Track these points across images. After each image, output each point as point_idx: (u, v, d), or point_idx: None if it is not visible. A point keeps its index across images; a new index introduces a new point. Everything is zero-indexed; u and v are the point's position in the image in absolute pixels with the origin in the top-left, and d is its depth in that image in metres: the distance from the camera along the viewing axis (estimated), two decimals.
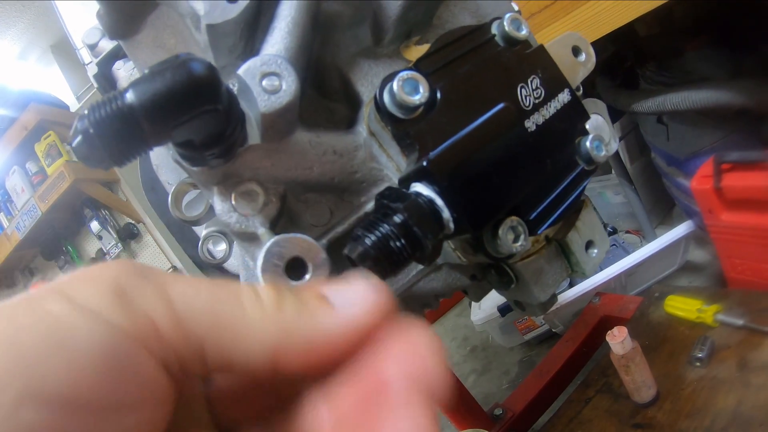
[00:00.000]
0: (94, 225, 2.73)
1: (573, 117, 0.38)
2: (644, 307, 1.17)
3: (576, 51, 0.45)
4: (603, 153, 0.39)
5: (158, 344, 0.17)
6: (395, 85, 0.29)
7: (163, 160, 0.87)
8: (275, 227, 0.33)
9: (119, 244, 2.75)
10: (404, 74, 0.29)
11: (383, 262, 0.25)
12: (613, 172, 1.47)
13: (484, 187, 0.30)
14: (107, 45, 0.77)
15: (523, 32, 0.36)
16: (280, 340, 0.18)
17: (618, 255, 1.50)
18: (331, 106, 0.37)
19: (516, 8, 0.46)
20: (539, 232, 0.34)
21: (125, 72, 0.69)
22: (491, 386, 1.52)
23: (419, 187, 0.28)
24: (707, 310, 1.04)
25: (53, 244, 2.92)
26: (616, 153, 1.44)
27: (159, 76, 0.22)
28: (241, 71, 0.28)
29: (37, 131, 2.52)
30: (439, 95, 0.30)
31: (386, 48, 0.36)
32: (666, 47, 1.29)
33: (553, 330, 1.45)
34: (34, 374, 0.14)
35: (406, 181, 0.29)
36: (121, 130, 0.22)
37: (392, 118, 0.30)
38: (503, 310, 1.41)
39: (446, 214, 0.27)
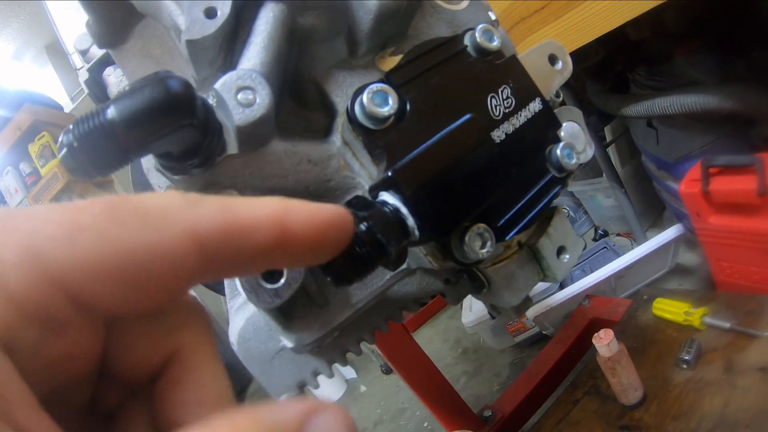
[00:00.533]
0: None
1: (544, 125, 0.40)
2: (632, 310, 1.18)
3: (552, 59, 0.46)
4: (574, 161, 0.41)
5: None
6: (365, 97, 0.30)
7: (154, 164, 0.88)
8: None
9: None
10: (374, 86, 0.30)
11: (348, 268, 0.26)
12: (604, 175, 1.48)
13: (449, 195, 0.31)
14: (98, 51, 0.78)
15: (495, 43, 0.37)
16: None
17: (608, 258, 1.51)
18: (308, 115, 0.38)
19: (493, 17, 0.47)
20: (507, 238, 0.35)
21: (115, 78, 0.70)
22: (482, 388, 1.53)
23: (386, 196, 0.29)
24: (695, 313, 1.06)
25: None
26: (607, 156, 1.46)
27: (138, 93, 0.24)
28: (217, 86, 0.29)
29: (30, 132, 2.53)
30: (408, 106, 0.32)
31: (361, 59, 0.37)
32: (656, 51, 1.31)
33: (544, 332, 1.46)
34: None
35: (374, 189, 0.30)
36: (103, 144, 0.23)
37: (363, 129, 0.31)
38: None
39: (411, 222, 0.29)
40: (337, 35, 0.35)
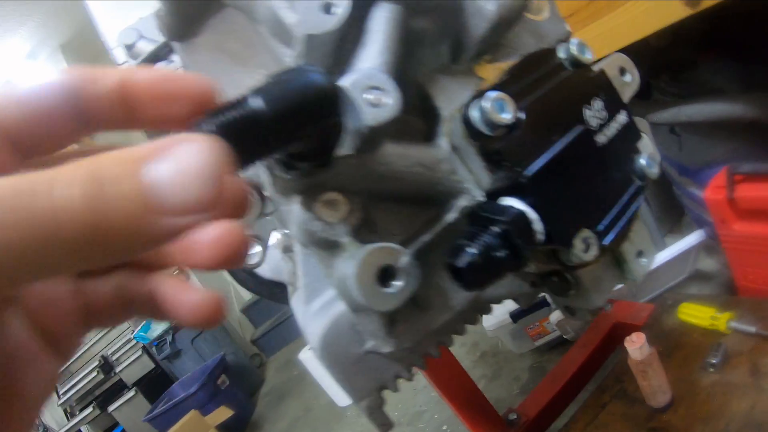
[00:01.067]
0: None
1: (630, 137, 0.41)
2: (657, 314, 1.20)
3: (623, 71, 0.48)
4: (655, 169, 0.42)
5: None
6: (486, 103, 0.32)
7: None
8: (357, 235, 0.36)
9: None
10: (494, 94, 0.32)
11: (486, 271, 0.28)
12: None
13: (570, 202, 0.33)
14: (144, 46, 0.80)
15: (588, 56, 0.39)
16: (79, 237, 0.18)
17: None
18: (406, 118, 0.40)
19: (568, 28, 0.49)
20: (606, 242, 0.37)
21: None
22: (501, 392, 1.55)
23: (511, 201, 0.31)
24: (720, 318, 1.08)
25: None
26: None
27: (287, 84, 0.23)
28: (347, 83, 0.30)
29: None
30: (522, 116, 0.33)
31: (462, 65, 0.38)
32: (679, 59, 1.33)
33: (564, 336, 1.48)
34: None
35: (495, 194, 0.32)
36: (247, 136, 0.22)
37: (479, 135, 0.33)
38: (515, 316, 1.44)
39: (538, 226, 0.30)
40: (445, 40, 0.37)
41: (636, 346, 0.97)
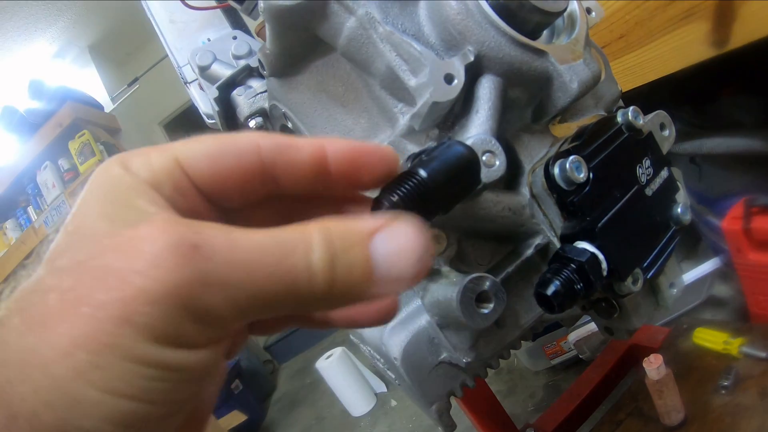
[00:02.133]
0: None
1: (670, 189, 0.52)
2: (673, 338, 1.31)
3: (662, 127, 0.59)
4: (688, 216, 0.53)
5: (226, 335, 0.23)
6: (567, 164, 0.43)
7: None
8: (452, 264, 0.47)
9: None
10: (573, 158, 0.43)
11: (567, 299, 0.39)
12: None
13: (626, 245, 0.44)
14: (219, 69, 0.89)
15: (641, 122, 0.50)
16: (324, 307, 0.26)
17: None
18: None
19: (620, 88, 0.60)
20: (649, 277, 0.48)
21: (246, 99, 0.79)
22: (516, 408, 1.65)
23: (584, 245, 0.42)
24: (733, 343, 1.19)
25: None
26: None
27: (444, 158, 0.30)
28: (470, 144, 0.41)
29: (71, 129, 2.65)
30: (591, 175, 0.44)
31: (540, 125, 0.50)
32: (701, 91, 1.45)
33: (581, 356, 1.59)
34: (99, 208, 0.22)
35: (570, 238, 0.43)
36: (419, 204, 0.28)
37: (558, 188, 0.44)
38: (534, 334, 1.55)
39: (604, 265, 0.41)
40: (530, 106, 0.48)
41: (654, 366, 1.07)
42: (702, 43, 1.07)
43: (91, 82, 3.41)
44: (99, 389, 0.18)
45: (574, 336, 1.46)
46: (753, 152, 1.28)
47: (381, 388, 2.45)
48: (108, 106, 3.29)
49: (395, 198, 0.28)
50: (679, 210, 0.52)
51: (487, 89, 0.44)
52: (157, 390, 0.20)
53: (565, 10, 0.46)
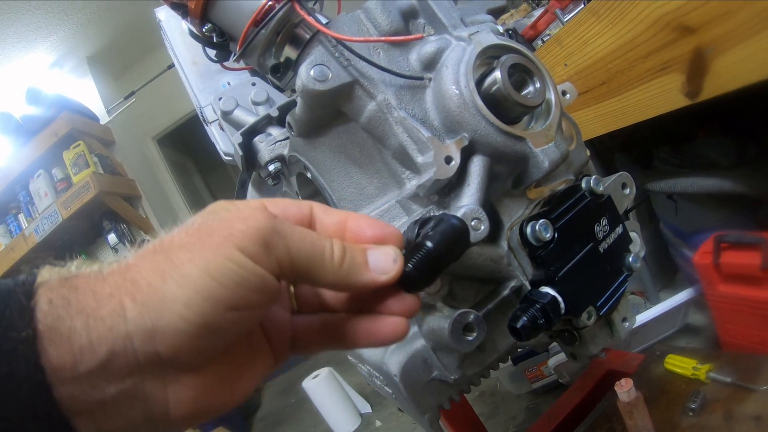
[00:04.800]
0: (112, 237, 3.00)
1: (623, 241, 0.68)
2: (646, 363, 1.46)
3: (624, 186, 0.74)
4: (638, 264, 0.69)
5: (280, 273, 0.36)
6: (537, 226, 0.58)
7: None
8: (445, 301, 0.62)
9: None
10: (542, 221, 0.58)
11: (532, 330, 0.54)
12: None
13: (581, 289, 0.59)
14: (241, 115, 1.03)
15: (601, 189, 0.65)
16: (337, 279, 0.39)
17: None
18: None
19: (588, 153, 0.75)
20: (601, 313, 0.63)
21: (267, 146, 0.93)
22: (498, 429, 1.79)
23: (547, 289, 0.57)
24: (701, 368, 1.33)
25: (68, 250, 3.14)
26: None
27: (443, 230, 0.46)
28: (461, 215, 0.55)
29: (66, 139, 2.77)
30: (556, 235, 0.59)
31: (518, 191, 0.65)
32: (680, 132, 1.62)
33: (560, 380, 1.73)
34: (219, 293, 0.32)
35: (537, 283, 0.58)
36: (426, 267, 0.42)
37: (529, 244, 0.59)
38: (516, 359, 1.69)
39: (563, 306, 0.56)
40: (511, 177, 0.63)
41: (625, 389, 1.22)
42: (678, 92, 1.20)
43: (87, 93, 3.53)
44: (206, 273, 0.32)
45: (554, 361, 1.61)
46: (724, 192, 1.44)
47: (366, 408, 2.58)
48: (103, 118, 3.41)
49: (410, 265, 0.42)
50: (630, 259, 0.68)
51: (477, 167, 0.59)
52: (236, 282, 0.33)
53: (542, 103, 0.61)
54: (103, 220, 3.09)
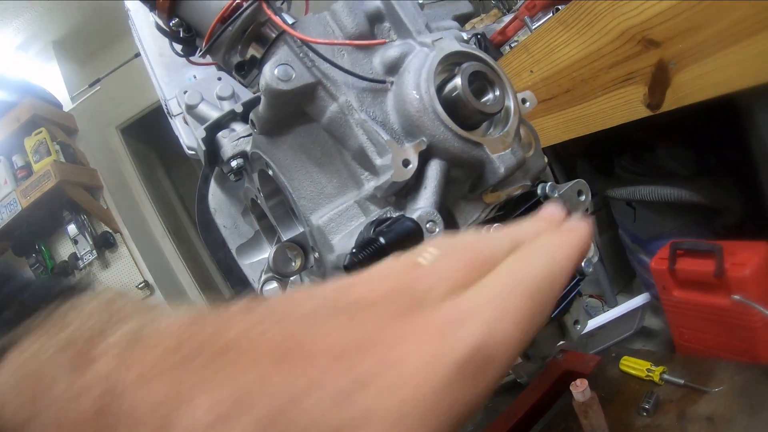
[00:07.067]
0: (72, 228, 2.93)
1: None
2: (603, 365, 1.50)
3: (580, 193, 0.76)
4: (590, 269, 0.71)
5: None
6: (491, 230, 0.59)
7: (221, 205, 1.14)
8: None
9: (94, 251, 2.93)
10: (496, 225, 0.60)
11: None
12: None
13: None
14: (205, 109, 1.03)
15: (556, 195, 0.68)
16: None
17: None
18: None
19: (546, 160, 0.78)
20: (554, 316, 0.65)
21: (230, 142, 0.93)
22: None
23: None
24: (655, 370, 1.37)
25: (26, 241, 3.06)
26: None
27: (397, 229, 0.50)
28: (415, 216, 0.57)
29: (28, 125, 2.70)
30: None
31: (475, 195, 0.66)
32: (641, 141, 1.66)
33: (518, 380, 1.76)
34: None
35: None
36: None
37: None
38: None
39: None
40: (468, 182, 0.64)
41: (580, 390, 1.25)
42: (640, 103, 1.24)
43: (52, 79, 3.44)
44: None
45: None
46: (682, 201, 1.49)
47: None
48: (67, 105, 3.33)
49: (362, 257, 0.44)
50: (582, 264, 0.70)
51: (434, 170, 0.60)
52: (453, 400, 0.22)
53: (500, 110, 0.63)
54: (63, 210, 3.01)
